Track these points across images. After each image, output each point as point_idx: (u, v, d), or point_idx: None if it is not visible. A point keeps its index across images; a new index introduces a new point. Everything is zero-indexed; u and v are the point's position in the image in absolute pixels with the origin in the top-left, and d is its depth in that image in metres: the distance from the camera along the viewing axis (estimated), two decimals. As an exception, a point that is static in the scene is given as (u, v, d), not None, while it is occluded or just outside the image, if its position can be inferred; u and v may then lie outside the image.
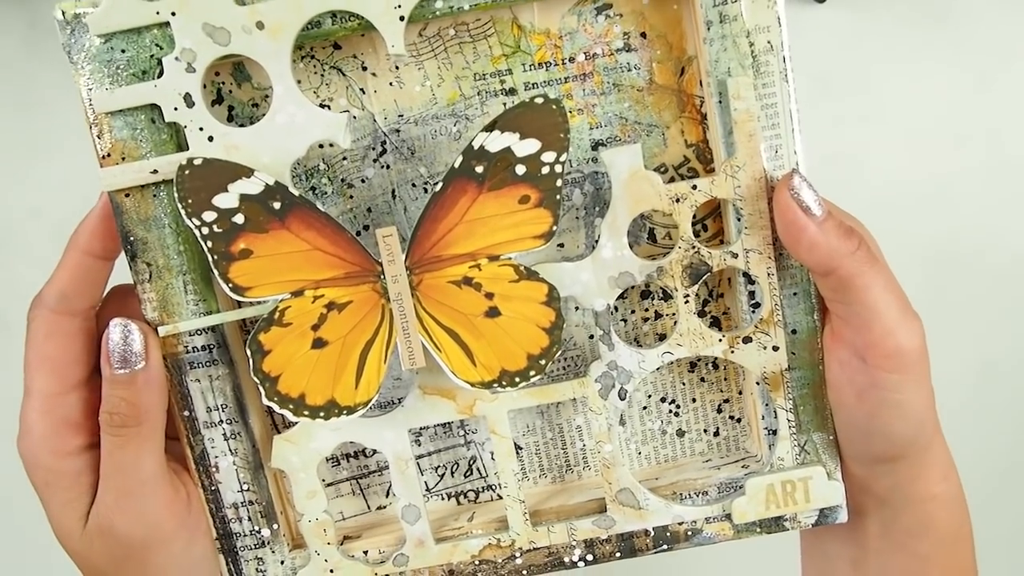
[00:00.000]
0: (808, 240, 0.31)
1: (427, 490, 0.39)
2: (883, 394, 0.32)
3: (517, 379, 0.33)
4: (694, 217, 0.36)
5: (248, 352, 0.32)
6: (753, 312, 0.35)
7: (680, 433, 0.38)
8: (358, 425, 0.35)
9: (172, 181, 0.32)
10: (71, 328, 0.33)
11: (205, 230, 0.32)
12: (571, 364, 0.37)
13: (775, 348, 0.34)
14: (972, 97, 0.69)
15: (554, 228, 0.32)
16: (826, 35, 0.62)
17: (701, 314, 0.37)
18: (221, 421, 0.35)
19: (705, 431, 0.38)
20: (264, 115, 0.32)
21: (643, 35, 0.34)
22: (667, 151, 0.35)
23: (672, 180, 0.35)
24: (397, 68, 0.34)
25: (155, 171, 0.32)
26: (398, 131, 0.35)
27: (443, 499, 0.39)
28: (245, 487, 0.35)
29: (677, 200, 0.33)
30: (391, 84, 0.34)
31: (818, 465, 0.35)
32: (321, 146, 0.35)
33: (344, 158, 0.35)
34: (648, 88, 0.34)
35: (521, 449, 0.38)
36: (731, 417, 0.38)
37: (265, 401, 0.33)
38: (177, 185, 0.31)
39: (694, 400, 0.38)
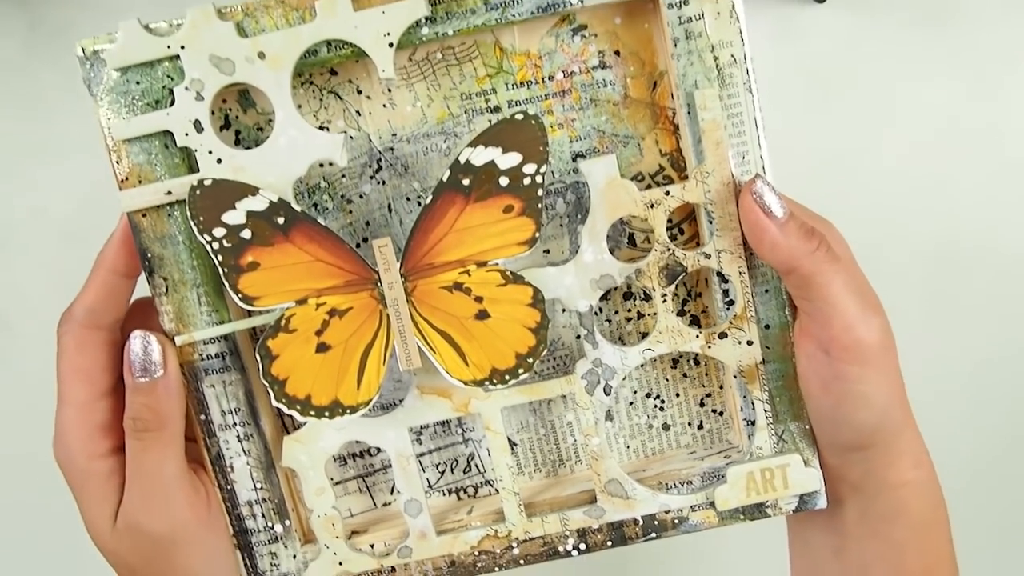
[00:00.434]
0: (770, 240, 0.33)
1: (429, 486, 0.41)
2: (846, 385, 0.34)
3: (507, 377, 0.35)
4: (671, 221, 0.38)
5: (257, 357, 0.35)
6: (728, 309, 0.38)
7: (666, 427, 0.41)
8: (362, 425, 0.37)
9: (185, 201, 0.34)
10: (99, 340, 0.36)
11: (216, 245, 0.34)
12: (560, 363, 0.39)
13: (749, 343, 0.37)
14: (972, 98, 0.68)
15: (537, 235, 0.35)
16: (826, 35, 0.62)
17: (681, 313, 0.39)
18: (235, 424, 0.37)
19: (689, 424, 0.41)
20: (268, 138, 0.35)
21: (617, 53, 0.37)
22: (643, 160, 0.37)
23: (649, 187, 0.37)
24: (389, 91, 0.37)
25: (169, 192, 0.35)
26: (392, 149, 0.37)
27: (444, 495, 0.41)
28: (259, 485, 0.38)
29: (652, 206, 0.35)
30: (384, 106, 0.37)
31: (795, 453, 0.37)
32: (321, 165, 0.37)
33: (343, 176, 0.38)
34: (623, 102, 0.37)
35: (516, 445, 0.41)
36: (714, 410, 0.40)
37: (274, 403, 0.35)
38: (189, 204, 0.34)
39: (678, 395, 0.40)
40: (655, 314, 0.37)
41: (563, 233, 0.38)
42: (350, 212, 0.38)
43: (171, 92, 0.34)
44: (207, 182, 0.34)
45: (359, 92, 0.37)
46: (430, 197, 0.34)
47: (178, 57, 0.34)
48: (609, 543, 0.39)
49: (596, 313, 0.39)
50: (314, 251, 0.35)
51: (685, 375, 0.40)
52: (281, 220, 0.34)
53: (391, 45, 0.34)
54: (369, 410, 0.36)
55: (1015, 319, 0.73)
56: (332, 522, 0.38)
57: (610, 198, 0.35)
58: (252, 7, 0.34)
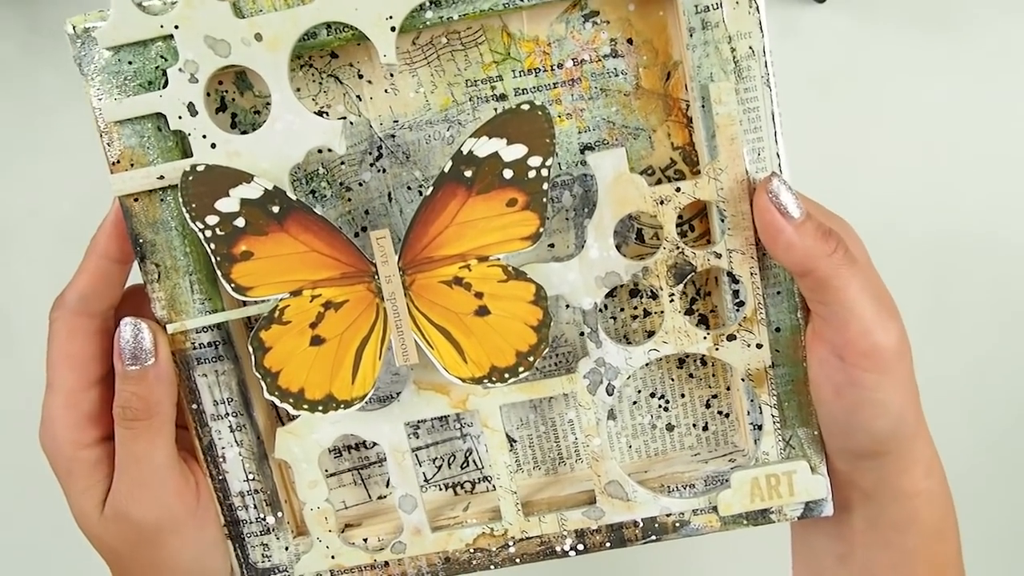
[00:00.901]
0: (785, 241, 0.32)
1: (425, 480, 0.40)
2: (861, 392, 0.33)
3: (507, 375, 0.34)
4: (681, 217, 0.37)
5: (250, 349, 0.34)
6: (738, 310, 0.36)
7: (670, 427, 0.40)
8: (357, 418, 0.36)
9: (178, 186, 0.33)
10: (91, 328, 0.35)
11: (208, 233, 0.33)
12: (562, 360, 0.38)
13: (759, 346, 0.35)
14: (972, 98, 0.68)
15: (541, 230, 0.33)
16: (826, 35, 0.62)
17: (689, 312, 0.38)
18: (227, 414, 0.37)
19: (694, 426, 0.40)
20: (264, 122, 0.34)
21: (629, 41, 0.35)
22: (654, 154, 0.36)
23: (659, 182, 0.36)
24: (392, 76, 0.35)
25: (162, 177, 0.34)
26: (393, 136, 0.36)
27: (440, 489, 0.40)
28: (251, 476, 0.37)
29: (661, 202, 0.34)
30: (386, 91, 0.35)
31: (802, 459, 0.36)
32: (320, 151, 0.36)
33: (342, 163, 0.36)
34: (635, 93, 0.35)
35: (515, 442, 0.40)
36: (719, 412, 0.39)
37: (266, 395, 0.34)
38: (182, 191, 0.33)
39: (683, 395, 0.39)
40: (662, 312, 0.35)
41: (569, 227, 0.37)
42: (349, 200, 0.37)
43: (164, 73, 0.33)
44: (200, 168, 0.33)
45: (360, 76, 0.35)
46: (431, 188, 0.33)
47: (172, 37, 0.33)
48: (608, 544, 0.38)
49: (601, 310, 0.38)
50: (310, 241, 0.33)
51: (691, 375, 0.39)
52: (276, 209, 0.33)
53: (393, 29, 0.32)
54: (365, 403, 0.35)
55: (1015, 319, 0.72)
56: (325, 515, 0.37)
57: (618, 193, 0.34)
58: (249, -14, 0.33)
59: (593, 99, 0.35)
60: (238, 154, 0.34)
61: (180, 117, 0.33)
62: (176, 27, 0.33)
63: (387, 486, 0.40)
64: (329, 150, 0.35)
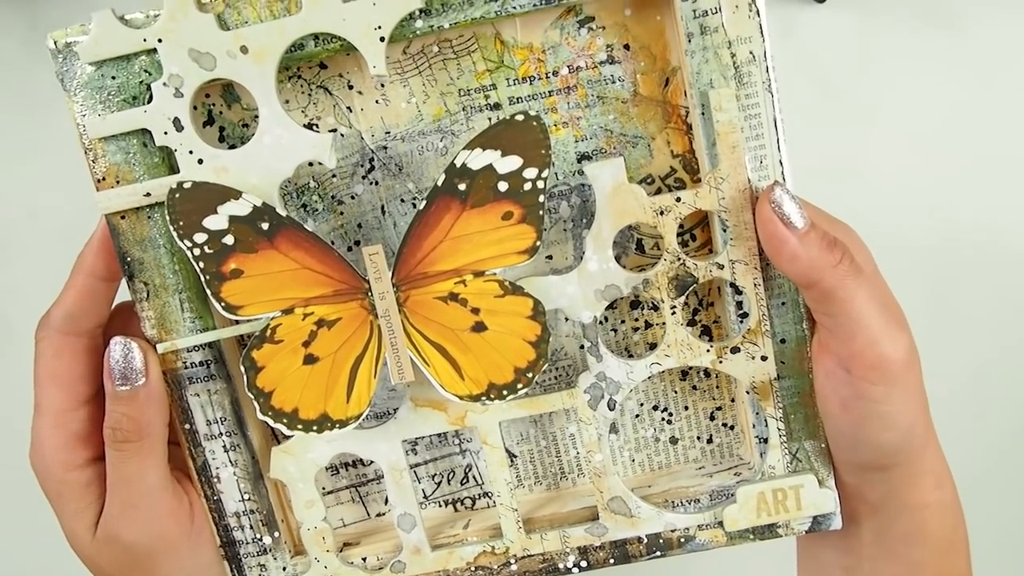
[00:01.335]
0: (789, 252, 0.31)
1: (424, 497, 0.39)
2: (868, 405, 0.32)
3: (505, 392, 0.34)
4: (682, 227, 0.36)
5: (242, 368, 0.33)
6: (741, 322, 0.36)
7: (673, 440, 0.39)
8: (353, 437, 0.36)
9: (164, 204, 0.32)
10: (78, 347, 0.34)
11: (197, 251, 0.32)
12: (563, 374, 0.37)
13: (763, 358, 0.34)
14: (972, 97, 0.67)
15: (538, 243, 0.32)
16: (826, 35, 0.61)
17: (692, 323, 0.37)
18: (221, 434, 0.36)
19: (698, 438, 0.39)
20: (253, 136, 0.33)
21: (626, 47, 0.34)
22: (653, 162, 0.35)
23: (659, 191, 0.35)
24: (383, 86, 0.34)
25: (148, 194, 0.33)
26: (385, 148, 0.35)
27: (440, 506, 0.40)
28: (246, 496, 0.36)
29: (661, 213, 0.33)
30: (377, 102, 0.35)
31: (809, 473, 0.35)
32: (311, 164, 0.35)
33: (333, 176, 0.35)
34: (633, 100, 0.34)
35: (516, 457, 0.39)
36: (724, 424, 0.38)
37: (259, 416, 0.34)
38: (168, 208, 0.32)
39: (686, 408, 0.38)
40: (664, 324, 0.34)
41: (567, 238, 0.36)
42: (341, 214, 0.36)
43: (149, 88, 0.32)
44: (187, 185, 0.32)
45: (350, 87, 0.34)
46: (424, 202, 0.32)
47: (155, 51, 0.32)
48: (611, 560, 0.37)
49: (601, 323, 0.37)
50: (300, 258, 0.33)
51: (695, 387, 0.38)
52: (265, 226, 0.32)
53: (382, 39, 0.31)
54: (362, 421, 0.34)
55: (1016, 318, 0.72)
56: (323, 535, 0.37)
57: (617, 204, 0.33)
58: (234, -3, 0.32)
59: (590, 107, 0.34)
60: (226, 170, 0.33)
61: (166, 133, 0.32)
62: (159, 40, 0.32)
63: (385, 503, 0.40)
64: (320, 163, 0.34)
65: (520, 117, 0.31)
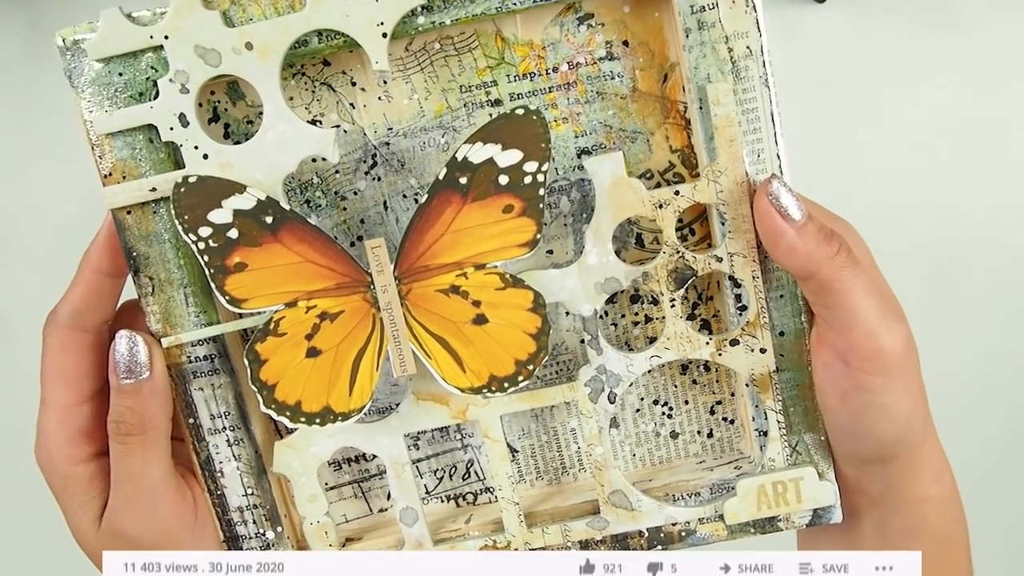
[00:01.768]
0: (786, 245, 0.31)
1: (427, 492, 0.40)
2: (867, 396, 0.32)
3: (506, 384, 0.34)
4: (681, 221, 0.36)
5: (246, 362, 0.34)
6: (740, 315, 0.36)
7: (674, 435, 0.39)
8: (355, 431, 0.36)
9: (170, 198, 0.33)
10: (84, 343, 0.35)
11: (202, 245, 0.33)
12: (563, 368, 0.38)
13: (762, 350, 0.35)
14: (971, 97, 0.68)
15: (538, 236, 0.33)
16: (826, 35, 0.62)
17: (691, 317, 0.37)
18: (224, 428, 0.36)
19: (699, 433, 0.39)
20: (257, 132, 0.33)
21: (625, 43, 0.34)
22: (652, 157, 0.35)
23: (658, 186, 0.36)
24: (385, 83, 0.35)
25: (154, 189, 0.33)
26: (388, 144, 0.35)
27: (442, 501, 0.40)
28: (249, 491, 0.37)
29: (660, 206, 0.33)
30: (380, 98, 0.35)
31: (809, 466, 0.36)
32: (314, 160, 0.36)
33: (336, 171, 0.36)
34: (632, 95, 0.35)
35: (517, 452, 0.39)
36: (724, 419, 0.39)
37: (263, 408, 0.34)
38: (174, 203, 0.32)
39: (687, 402, 0.38)
40: (663, 318, 0.35)
41: (567, 232, 0.36)
42: (344, 209, 0.36)
43: (155, 84, 0.33)
44: (192, 179, 0.32)
45: (353, 84, 0.35)
46: (426, 196, 0.32)
47: (161, 48, 0.32)
48: (613, 555, 0.37)
49: (601, 317, 0.37)
50: (304, 252, 0.33)
51: (695, 382, 0.38)
52: (269, 219, 0.33)
53: (385, 35, 0.32)
54: (364, 415, 0.34)
55: (1016, 318, 0.72)
56: (325, 530, 0.37)
57: (616, 198, 0.33)
58: (239, -6, 0.32)
59: (589, 103, 0.35)
60: (230, 165, 0.33)
61: (171, 128, 0.33)
62: (166, 37, 0.32)
63: (388, 499, 0.40)
64: (323, 159, 0.34)
65: (520, 111, 0.32)
